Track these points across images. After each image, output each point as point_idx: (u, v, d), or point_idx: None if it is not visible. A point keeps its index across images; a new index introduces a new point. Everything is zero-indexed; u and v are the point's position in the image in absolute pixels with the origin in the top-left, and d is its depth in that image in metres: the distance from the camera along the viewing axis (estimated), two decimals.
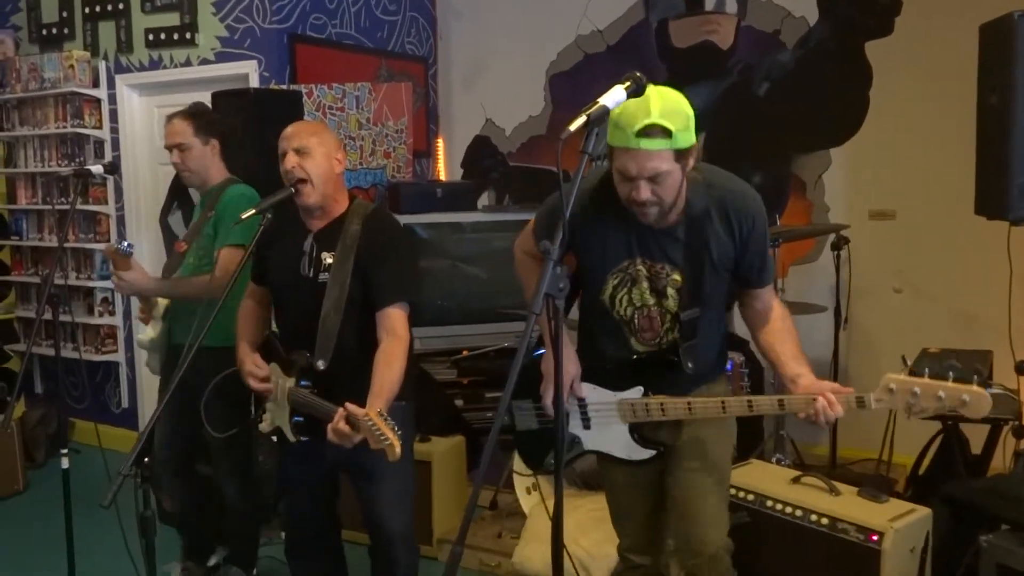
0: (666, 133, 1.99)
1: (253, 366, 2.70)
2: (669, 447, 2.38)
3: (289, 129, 2.66)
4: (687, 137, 2.04)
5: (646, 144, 2.00)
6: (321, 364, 2.53)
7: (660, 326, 2.30)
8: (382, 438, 2.26)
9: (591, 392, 2.37)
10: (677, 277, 2.25)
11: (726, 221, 2.21)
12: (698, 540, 2.36)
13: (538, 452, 2.53)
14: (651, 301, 2.28)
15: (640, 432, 2.37)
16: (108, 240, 5.27)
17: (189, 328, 3.16)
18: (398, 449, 2.26)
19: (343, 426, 2.35)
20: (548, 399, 2.35)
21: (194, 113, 3.29)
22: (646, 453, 2.37)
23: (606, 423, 2.37)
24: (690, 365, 2.28)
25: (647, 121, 1.97)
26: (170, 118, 3.28)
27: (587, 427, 2.41)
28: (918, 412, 2.06)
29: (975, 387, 1.99)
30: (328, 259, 2.58)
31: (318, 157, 2.58)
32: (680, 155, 2.05)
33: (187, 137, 3.20)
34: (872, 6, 4.41)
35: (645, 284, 2.27)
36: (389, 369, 2.48)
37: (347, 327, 2.55)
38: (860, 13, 4.45)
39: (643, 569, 2.54)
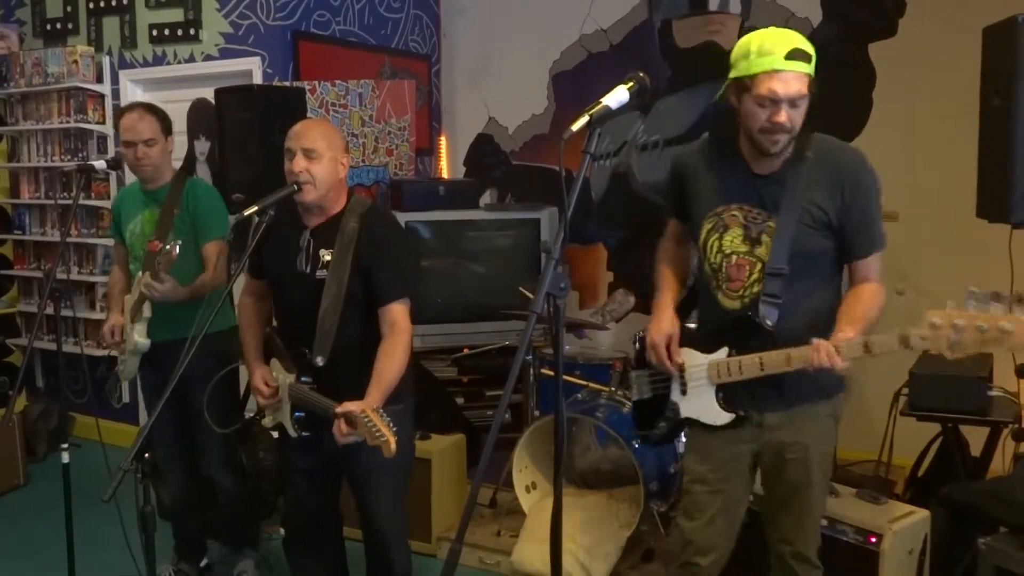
0: (808, 57, 2.12)
1: (261, 383, 2.71)
2: (753, 420, 2.35)
3: (298, 127, 2.65)
4: (815, 69, 2.15)
5: (794, 66, 2.11)
6: (320, 360, 2.55)
7: (747, 276, 2.29)
8: (378, 435, 2.28)
9: (688, 356, 2.38)
10: (773, 224, 2.25)
11: (831, 174, 2.24)
12: (796, 549, 2.42)
13: (647, 418, 2.55)
14: (742, 249, 2.29)
15: (725, 395, 2.35)
16: (110, 235, 5.27)
17: (161, 326, 3.20)
18: (393, 446, 2.28)
19: (343, 427, 2.39)
20: (659, 359, 2.38)
21: (156, 110, 3.32)
22: (725, 417, 2.35)
23: (699, 388, 2.38)
24: (769, 322, 2.23)
25: (794, 45, 2.11)
26: (130, 112, 3.26)
27: (684, 392, 2.41)
28: (961, 349, 1.99)
29: (1017, 316, 1.95)
30: (326, 256, 2.58)
31: (325, 161, 2.58)
32: (811, 84, 2.15)
33: (156, 133, 3.24)
34: (876, 8, 4.41)
35: (739, 231, 2.29)
36: (390, 360, 2.51)
37: (345, 324, 2.57)
38: (864, 15, 4.45)
39: (697, 568, 2.48)
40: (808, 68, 2.13)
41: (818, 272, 2.31)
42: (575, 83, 5.23)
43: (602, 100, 1.84)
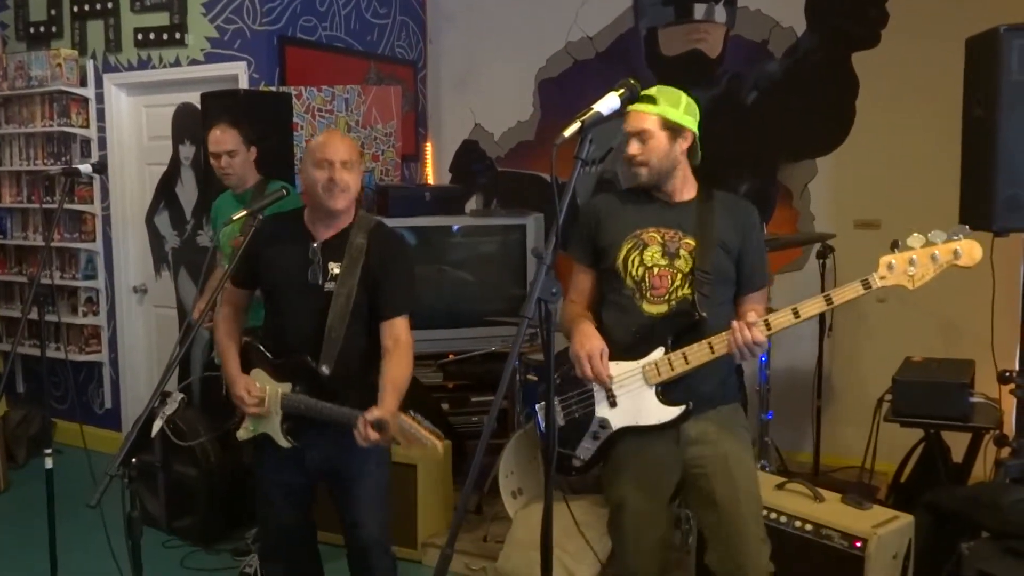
0: (651, 100, 2.42)
1: (245, 391, 2.68)
2: (693, 407, 2.43)
3: (326, 142, 2.63)
4: (675, 113, 2.44)
5: (639, 107, 2.41)
6: (325, 369, 2.57)
7: (670, 283, 2.45)
8: (422, 439, 2.37)
9: (614, 368, 2.42)
10: (689, 241, 2.46)
11: (729, 214, 2.51)
12: (743, 571, 2.42)
13: (568, 447, 2.51)
14: (663, 262, 2.46)
15: (666, 393, 2.43)
16: (93, 240, 5.24)
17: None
18: (440, 450, 2.38)
19: (371, 433, 2.42)
20: (587, 372, 2.39)
21: (238, 122, 3.59)
22: (676, 410, 2.42)
23: (632, 394, 2.44)
24: (705, 313, 2.40)
25: (644, 92, 2.36)
26: (215, 127, 3.58)
27: (613, 405, 2.45)
28: (920, 279, 2.27)
29: (963, 239, 2.25)
30: (335, 268, 2.63)
31: (356, 170, 2.65)
32: (667, 124, 2.43)
33: (237, 144, 3.57)
34: (859, 17, 4.45)
35: (657, 248, 2.46)
36: (399, 370, 2.57)
37: (350, 335, 2.60)
38: (847, 24, 4.49)
39: None
40: (652, 108, 2.42)
41: (727, 286, 2.51)
42: (561, 90, 5.25)
43: (593, 107, 1.86)
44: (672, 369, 2.40)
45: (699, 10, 4.85)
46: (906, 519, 2.91)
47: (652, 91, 2.43)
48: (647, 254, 2.46)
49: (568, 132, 1.81)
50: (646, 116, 2.43)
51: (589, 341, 2.41)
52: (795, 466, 4.31)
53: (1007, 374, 3.24)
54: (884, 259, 2.29)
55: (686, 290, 2.43)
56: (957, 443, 3.55)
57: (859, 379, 4.48)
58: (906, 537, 2.90)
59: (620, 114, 1.96)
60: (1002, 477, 3.13)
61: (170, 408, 3.84)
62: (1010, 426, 3.37)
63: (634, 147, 2.43)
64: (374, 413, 2.43)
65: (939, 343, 4.14)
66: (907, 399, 3.36)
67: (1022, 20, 2.93)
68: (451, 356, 4.69)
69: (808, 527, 2.89)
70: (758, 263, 2.56)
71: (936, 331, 4.25)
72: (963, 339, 4.06)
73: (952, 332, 4.19)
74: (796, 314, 2.32)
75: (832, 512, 2.94)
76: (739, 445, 2.48)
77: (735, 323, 2.31)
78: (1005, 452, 3.25)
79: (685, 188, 2.51)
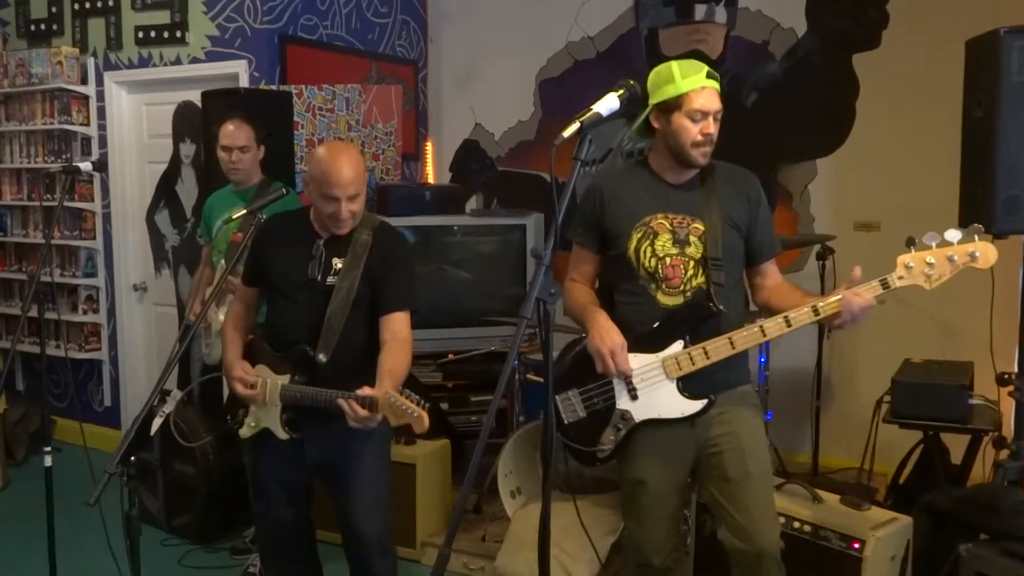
0: (718, 79, 2.39)
1: (243, 372, 2.71)
2: (714, 401, 2.46)
3: (343, 175, 2.56)
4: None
5: (714, 84, 2.37)
6: (323, 357, 2.59)
7: (683, 273, 2.45)
8: (409, 411, 2.36)
9: (633, 361, 2.43)
10: (698, 226, 2.45)
11: (734, 186, 2.51)
12: (755, 545, 2.43)
13: (590, 438, 2.53)
14: (674, 251, 2.45)
15: (687, 386, 2.44)
16: (93, 238, 5.24)
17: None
18: (426, 421, 2.37)
19: (361, 411, 2.42)
20: (609, 368, 2.40)
21: (251, 119, 3.63)
22: (698, 404, 2.44)
23: (653, 387, 2.45)
24: (722, 307, 2.40)
25: (707, 68, 2.36)
26: (229, 122, 3.62)
27: (635, 398, 2.47)
28: (937, 279, 2.28)
29: (978, 241, 2.24)
30: (338, 264, 2.66)
31: (363, 190, 2.65)
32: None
33: (250, 140, 3.62)
34: (860, 19, 4.45)
35: (667, 236, 2.46)
36: (397, 359, 2.58)
37: (350, 326, 2.63)
38: (848, 25, 4.49)
39: (651, 569, 2.59)
40: (719, 86, 2.39)
41: (738, 266, 2.53)
42: (561, 90, 5.25)
43: (593, 107, 1.86)
44: (693, 364, 2.41)
45: (700, 11, 4.84)
46: (904, 520, 2.92)
47: (706, 65, 2.38)
48: (658, 243, 2.45)
49: (567, 133, 1.82)
50: (718, 94, 2.39)
51: (608, 336, 2.41)
52: (794, 467, 4.31)
53: (1006, 376, 3.24)
54: (902, 259, 2.29)
55: (700, 279, 2.44)
56: (956, 445, 3.55)
57: (858, 380, 4.48)
58: (904, 539, 2.90)
59: (620, 115, 1.95)
60: (1001, 479, 3.13)
61: (169, 406, 3.84)
62: (1009, 428, 3.37)
63: (712, 127, 2.38)
64: (365, 391, 2.44)
65: (938, 345, 4.14)
66: (906, 400, 3.36)
67: (1022, 22, 2.93)
68: (450, 355, 4.69)
69: (806, 528, 2.90)
70: (769, 231, 2.56)
71: (935, 333, 4.25)
72: (962, 341, 4.06)
73: (951, 334, 4.19)
74: (816, 311, 2.33)
75: (830, 513, 2.94)
76: (752, 425, 2.51)
77: (845, 293, 2.27)
78: (1004, 454, 3.25)
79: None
